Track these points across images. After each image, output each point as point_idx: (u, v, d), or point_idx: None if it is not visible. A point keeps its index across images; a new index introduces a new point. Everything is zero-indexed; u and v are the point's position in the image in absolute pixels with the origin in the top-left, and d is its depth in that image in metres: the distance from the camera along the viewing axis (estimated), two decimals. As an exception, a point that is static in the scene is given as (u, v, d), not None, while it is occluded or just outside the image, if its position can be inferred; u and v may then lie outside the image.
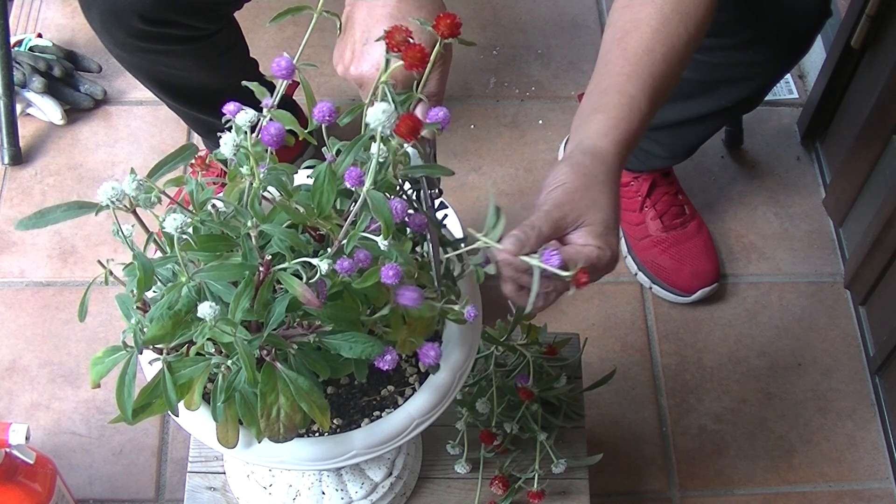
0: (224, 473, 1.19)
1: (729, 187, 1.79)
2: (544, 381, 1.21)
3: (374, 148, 0.75)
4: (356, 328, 0.81)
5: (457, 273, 0.90)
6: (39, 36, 1.87)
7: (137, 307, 0.81)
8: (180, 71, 1.43)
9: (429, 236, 0.86)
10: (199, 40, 1.37)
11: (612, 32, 1.05)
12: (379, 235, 0.77)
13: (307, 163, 0.85)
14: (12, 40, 1.77)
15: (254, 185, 0.78)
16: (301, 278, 0.77)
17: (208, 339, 0.77)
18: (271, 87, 0.84)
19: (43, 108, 1.79)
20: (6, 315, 1.62)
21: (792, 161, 1.83)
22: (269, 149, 0.78)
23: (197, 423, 0.90)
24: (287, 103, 1.27)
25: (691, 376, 1.61)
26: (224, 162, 0.82)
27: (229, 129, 0.78)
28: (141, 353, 0.80)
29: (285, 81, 0.80)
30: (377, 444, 0.92)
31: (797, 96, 1.91)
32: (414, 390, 0.95)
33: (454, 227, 0.95)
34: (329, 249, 0.79)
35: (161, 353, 0.81)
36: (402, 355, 0.91)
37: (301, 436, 0.91)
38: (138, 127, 1.83)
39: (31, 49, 1.82)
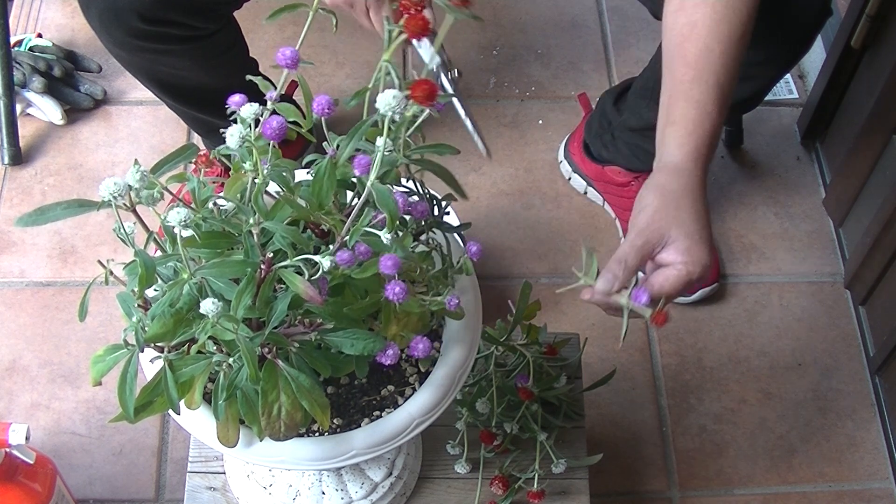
0: (224, 473, 1.19)
1: (729, 187, 1.79)
2: (544, 381, 1.21)
3: (379, 141, 0.75)
4: (357, 325, 0.81)
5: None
6: (39, 36, 1.87)
7: (138, 305, 0.81)
8: (180, 70, 1.43)
9: (460, 108, 1.06)
10: (199, 40, 1.37)
11: (671, 38, 1.06)
12: (380, 230, 0.77)
13: (308, 157, 0.85)
14: (12, 40, 1.77)
15: (257, 180, 0.78)
16: (303, 275, 0.77)
17: (209, 337, 0.77)
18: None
19: (43, 108, 1.79)
20: (6, 315, 1.62)
21: (792, 161, 1.83)
22: (273, 144, 0.78)
23: (197, 422, 0.90)
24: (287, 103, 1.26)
25: (691, 376, 1.61)
26: (226, 158, 0.82)
27: (235, 122, 0.78)
28: (142, 352, 0.80)
29: (288, 71, 0.80)
30: (377, 444, 0.92)
31: (797, 96, 1.91)
32: (414, 390, 0.95)
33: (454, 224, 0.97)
34: (332, 246, 0.79)
35: (162, 352, 0.81)
36: (403, 355, 0.91)
37: (301, 435, 0.91)
38: (138, 127, 1.83)
39: (31, 49, 1.82)
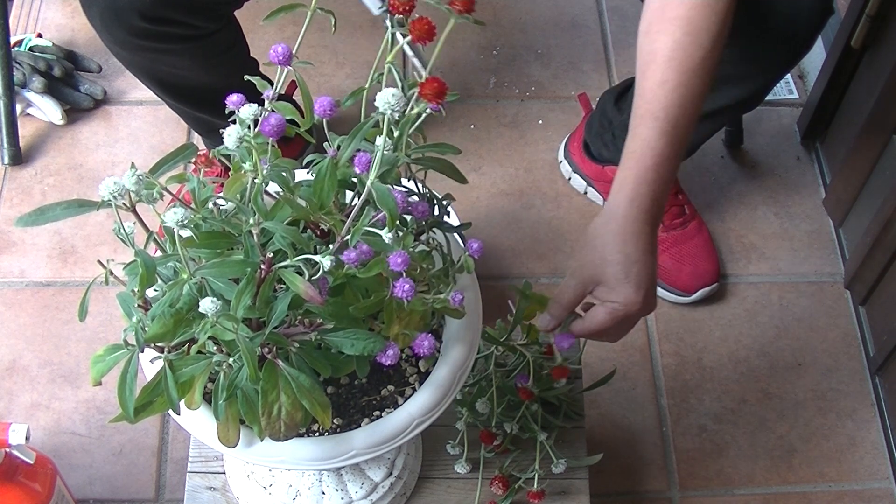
0: (224, 473, 1.19)
1: (729, 187, 1.79)
2: (544, 381, 1.20)
3: (379, 140, 0.75)
4: (357, 325, 0.81)
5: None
6: (39, 36, 1.87)
7: (139, 305, 0.81)
8: (180, 70, 1.43)
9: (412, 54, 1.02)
10: (200, 39, 1.37)
11: (638, 64, 1.08)
12: (380, 229, 0.77)
13: (309, 157, 0.85)
14: (12, 40, 1.77)
15: (256, 180, 0.78)
16: (303, 275, 0.77)
17: (209, 337, 0.77)
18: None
19: (43, 108, 1.79)
20: (6, 315, 1.62)
21: (792, 161, 1.83)
22: (273, 144, 0.78)
23: (197, 422, 0.90)
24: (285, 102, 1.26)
25: (691, 376, 1.61)
26: (226, 158, 0.82)
27: (233, 122, 0.78)
28: (142, 352, 0.80)
29: (286, 70, 0.80)
30: (377, 444, 0.92)
31: (797, 96, 1.91)
32: (414, 390, 0.95)
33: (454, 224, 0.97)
34: (332, 245, 0.79)
35: (162, 352, 0.81)
36: (403, 355, 0.91)
37: (301, 435, 0.91)
38: (138, 127, 1.83)
39: (31, 49, 1.82)
